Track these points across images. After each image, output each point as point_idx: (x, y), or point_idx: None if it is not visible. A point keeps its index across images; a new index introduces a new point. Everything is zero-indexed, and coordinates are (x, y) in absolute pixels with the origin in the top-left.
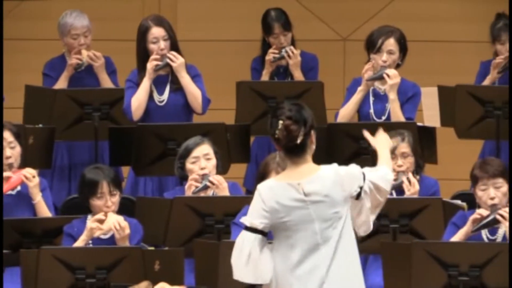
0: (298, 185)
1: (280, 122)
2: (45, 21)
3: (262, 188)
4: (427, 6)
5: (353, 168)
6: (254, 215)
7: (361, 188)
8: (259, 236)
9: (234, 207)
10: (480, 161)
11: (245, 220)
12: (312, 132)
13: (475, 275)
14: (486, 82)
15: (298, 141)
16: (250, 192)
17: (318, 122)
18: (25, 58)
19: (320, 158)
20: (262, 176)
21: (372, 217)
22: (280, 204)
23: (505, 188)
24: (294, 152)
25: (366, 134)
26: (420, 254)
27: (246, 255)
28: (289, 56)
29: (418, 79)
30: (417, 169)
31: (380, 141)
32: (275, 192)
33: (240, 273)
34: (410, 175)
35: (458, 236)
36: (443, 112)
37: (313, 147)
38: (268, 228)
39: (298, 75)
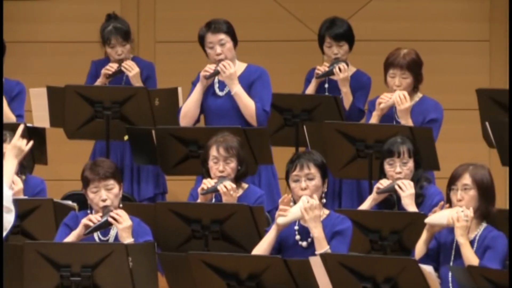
0: None
1: None
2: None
3: None
4: (51, 7)
5: None
6: None
7: None
8: None
9: None
10: (91, 163)
11: None
12: None
13: (87, 275)
14: (98, 83)
15: None
16: None
17: None
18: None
19: None
20: None
21: None
22: None
23: (116, 189)
24: None
25: None
26: (32, 255)
27: None
28: None
29: (24, 80)
30: (22, 169)
31: None
32: None
33: None
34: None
35: (70, 238)
36: (53, 112)
37: None
38: None
39: None
